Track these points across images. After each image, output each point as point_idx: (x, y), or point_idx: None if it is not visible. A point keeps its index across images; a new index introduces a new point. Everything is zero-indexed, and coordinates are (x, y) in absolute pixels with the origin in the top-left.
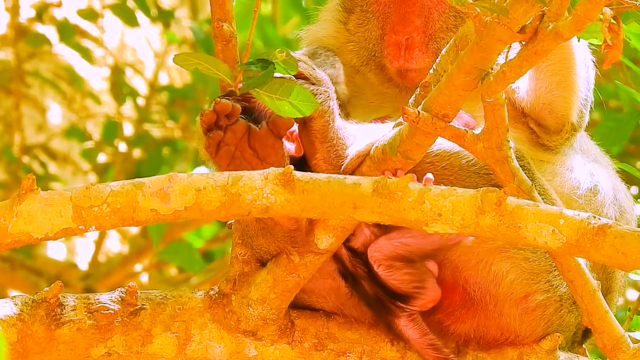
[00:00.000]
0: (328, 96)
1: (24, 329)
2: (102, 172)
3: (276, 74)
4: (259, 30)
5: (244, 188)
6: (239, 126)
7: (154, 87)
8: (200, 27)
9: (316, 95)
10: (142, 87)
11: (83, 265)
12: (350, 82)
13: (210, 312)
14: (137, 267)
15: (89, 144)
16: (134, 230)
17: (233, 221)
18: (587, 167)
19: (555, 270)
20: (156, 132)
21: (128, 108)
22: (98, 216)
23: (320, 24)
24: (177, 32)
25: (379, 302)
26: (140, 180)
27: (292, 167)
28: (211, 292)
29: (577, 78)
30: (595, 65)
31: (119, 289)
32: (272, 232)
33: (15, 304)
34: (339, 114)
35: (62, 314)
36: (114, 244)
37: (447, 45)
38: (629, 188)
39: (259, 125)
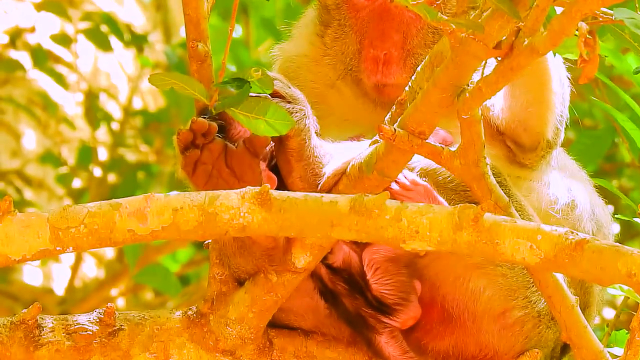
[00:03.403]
0: (304, 114)
1: (3, 351)
2: (78, 197)
3: (252, 93)
4: (232, 54)
5: (221, 207)
6: (215, 145)
7: (128, 112)
8: (173, 51)
9: (292, 113)
10: (116, 112)
11: (59, 290)
12: (324, 99)
13: (189, 332)
14: (114, 291)
15: (64, 169)
16: (110, 254)
17: (210, 241)
18: (564, 182)
19: (533, 286)
20: (131, 156)
21: (102, 133)
22: (75, 237)
23: (294, 40)
24: (151, 56)
25: (360, 318)
26: (117, 200)
27: (269, 186)
28: (189, 312)
29: (552, 95)
30: (571, 82)
31: (97, 310)
32: (249, 251)
33: None
34: (315, 132)
35: (41, 336)
36: (90, 269)
37: (423, 62)
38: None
39: (236, 144)
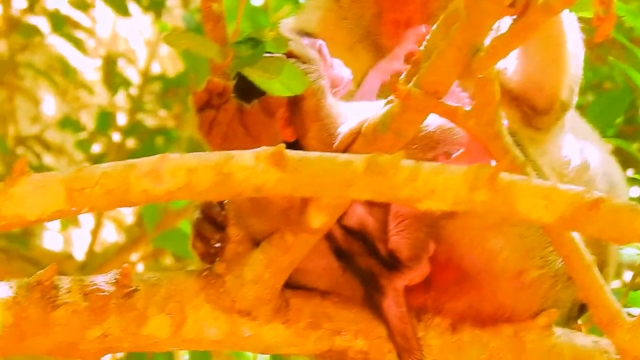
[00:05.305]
0: (319, 75)
1: (20, 311)
2: (97, 162)
3: (266, 53)
4: (250, 20)
5: (235, 168)
6: (230, 105)
7: (147, 77)
8: (191, 16)
9: (307, 73)
10: (134, 77)
11: (79, 255)
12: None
13: (205, 292)
14: (133, 256)
15: (83, 135)
16: (130, 219)
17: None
18: (577, 143)
19: (549, 245)
20: (150, 121)
21: (121, 98)
22: (90, 197)
23: (307, 9)
24: (169, 21)
25: (370, 276)
26: (132, 161)
27: (283, 145)
28: (205, 273)
29: (567, 55)
30: (589, 45)
31: (113, 271)
32: (265, 211)
33: (11, 287)
34: (330, 93)
35: (57, 297)
36: (110, 234)
37: (438, 22)
38: (624, 170)
39: (251, 104)
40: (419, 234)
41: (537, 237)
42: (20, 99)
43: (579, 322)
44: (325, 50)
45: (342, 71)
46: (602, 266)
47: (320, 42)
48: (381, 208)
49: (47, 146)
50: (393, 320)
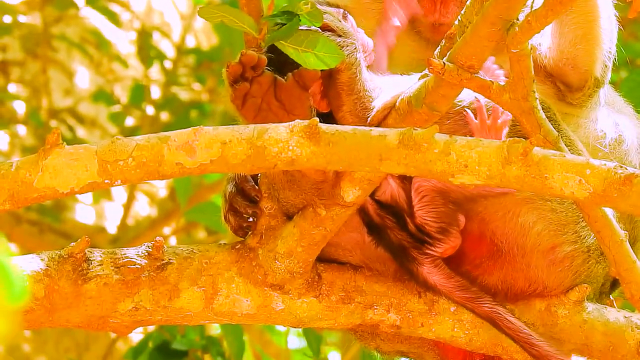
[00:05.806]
0: (355, 48)
1: (51, 284)
2: (130, 135)
3: (301, 26)
4: None
5: (269, 141)
6: (265, 78)
7: (181, 50)
8: None
9: (343, 47)
10: (169, 50)
11: (112, 228)
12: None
13: (237, 266)
14: (166, 230)
15: (117, 108)
16: (163, 193)
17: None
18: (611, 117)
19: (582, 221)
20: (183, 95)
21: (155, 71)
22: (124, 170)
23: None
24: None
25: (402, 250)
26: (165, 133)
27: (317, 119)
28: (238, 246)
29: (601, 31)
30: (619, 22)
31: (146, 244)
32: (299, 185)
33: (42, 260)
34: (366, 66)
35: (89, 269)
36: (143, 207)
37: None
38: None
39: (285, 77)
40: (443, 208)
41: (569, 212)
42: (53, 71)
43: (611, 297)
44: (351, 18)
45: (367, 39)
46: (634, 242)
47: (343, 10)
48: (409, 183)
49: (81, 119)
50: (440, 282)
